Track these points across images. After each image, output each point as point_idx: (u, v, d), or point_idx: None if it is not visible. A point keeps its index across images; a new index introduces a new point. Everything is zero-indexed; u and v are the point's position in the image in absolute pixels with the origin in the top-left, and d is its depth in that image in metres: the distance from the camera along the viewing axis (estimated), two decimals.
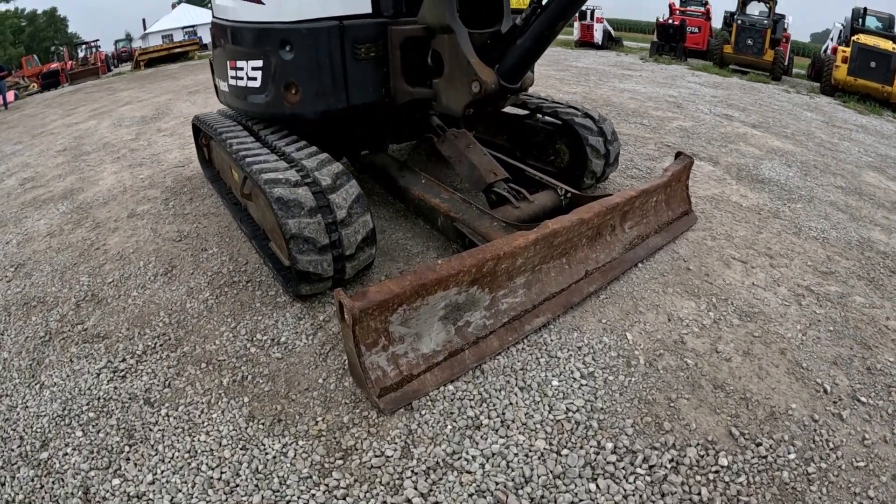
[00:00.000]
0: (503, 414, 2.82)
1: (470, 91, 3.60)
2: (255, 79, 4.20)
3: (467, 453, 2.61)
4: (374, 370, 2.84)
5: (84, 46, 25.50)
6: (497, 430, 2.73)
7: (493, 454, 2.60)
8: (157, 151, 7.69)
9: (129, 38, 31.31)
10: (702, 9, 21.21)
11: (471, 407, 2.86)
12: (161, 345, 3.47)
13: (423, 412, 2.82)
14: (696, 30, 19.92)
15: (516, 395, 2.94)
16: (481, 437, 2.70)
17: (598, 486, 2.40)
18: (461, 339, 3.15)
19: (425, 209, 4.20)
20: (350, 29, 3.85)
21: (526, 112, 5.45)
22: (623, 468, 2.48)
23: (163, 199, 5.77)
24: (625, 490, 2.38)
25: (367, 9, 3.94)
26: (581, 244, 3.78)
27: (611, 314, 3.60)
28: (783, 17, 17.92)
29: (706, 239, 4.55)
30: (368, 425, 2.77)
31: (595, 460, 2.53)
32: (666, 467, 2.46)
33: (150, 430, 2.83)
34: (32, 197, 6.45)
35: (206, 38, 28.52)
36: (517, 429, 2.74)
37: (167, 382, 3.14)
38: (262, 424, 2.82)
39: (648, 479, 2.41)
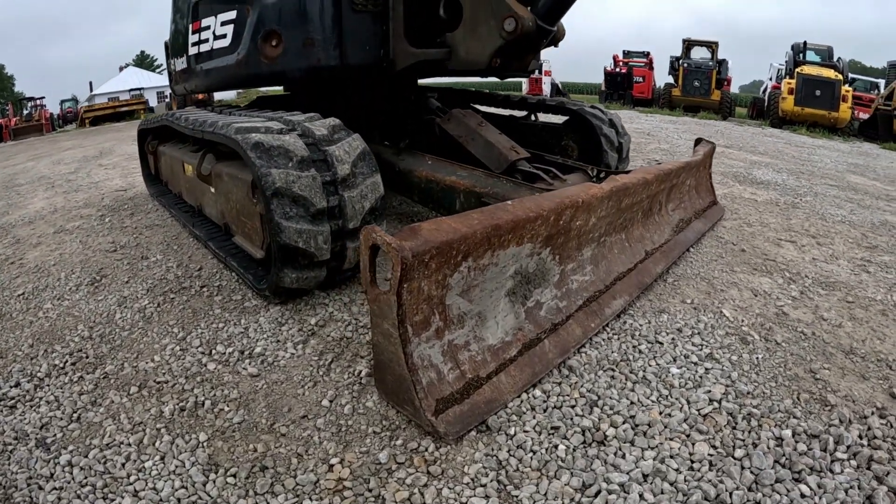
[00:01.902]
0: (632, 418, 1.63)
1: (501, 32, 2.61)
2: (224, 36, 3.10)
3: (608, 481, 1.40)
4: (426, 370, 1.57)
5: (30, 103, 22.46)
6: (633, 442, 1.55)
7: (647, 475, 1.42)
8: (97, 180, 6.14)
9: (74, 100, 27.90)
10: (644, 59, 20.38)
11: (578, 415, 1.64)
12: (73, 364, 2.07)
13: (511, 431, 1.56)
14: (641, 79, 19.00)
15: (634, 391, 1.78)
16: (616, 454, 1.50)
17: (808, 486, 1.44)
18: (534, 326, 1.95)
19: (437, 192, 3.02)
20: None
21: (524, 113, 4.55)
22: (821, 458, 1.54)
23: (98, 216, 4.29)
24: (840, 483, 1.45)
25: None
26: (637, 220, 2.77)
27: (691, 294, 2.57)
28: (725, 60, 17.27)
29: (742, 226, 3.69)
30: (425, 463, 1.47)
31: (784, 455, 1.55)
32: (863, 444, 1.62)
33: (40, 488, 1.46)
34: None
35: (153, 102, 26.39)
36: (661, 434, 1.58)
37: (75, 415, 1.76)
38: (235, 477, 1.45)
39: (854, 463, 1.54)
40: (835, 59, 14.76)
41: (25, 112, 21.54)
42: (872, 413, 1.77)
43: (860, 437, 1.64)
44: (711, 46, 17.18)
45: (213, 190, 2.97)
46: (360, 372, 1.90)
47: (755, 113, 17.53)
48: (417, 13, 2.95)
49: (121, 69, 39.01)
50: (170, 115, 3.42)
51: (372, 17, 2.95)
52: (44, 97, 22.33)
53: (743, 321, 2.33)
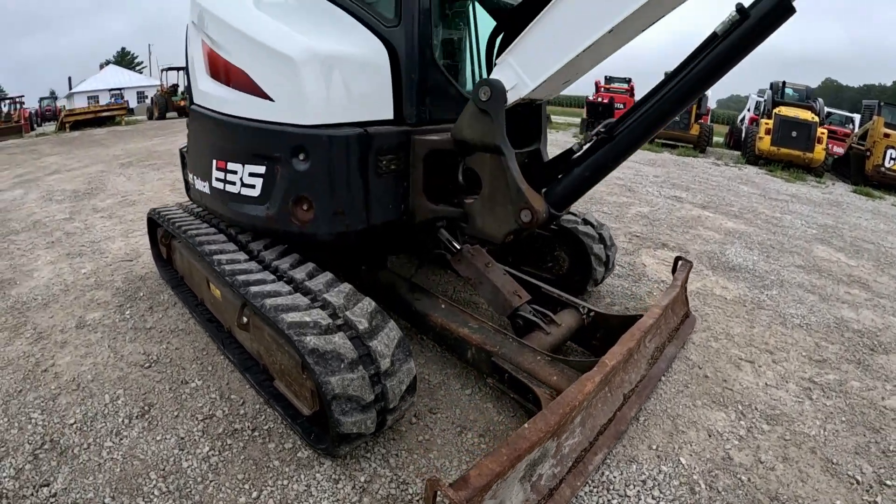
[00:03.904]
0: None
1: (517, 219, 3.14)
2: (252, 186, 3.44)
3: None
4: None
5: (8, 101, 22.24)
6: None
7: None
8: (96, 238, 6.56)
9: (53, 97, 27.69)
10: (626, 86, 21.17)
11: None
12: None
13: None
14: (622, 106, 19.62)
15: None
16: None
17: None
18: (536, 495, 2.69)
19: (451, 339, 3.65)
20: (376, 138, 3.27)
21: None
22: None
23: (116, 305, 4.73)
24: None
25: (389, 114, 3.40)
26: (618, 370, 3.51)
27: (657, 437, 3.32)
28: (704, 94, 18.01)
29: (710, 340, 4.48)
30: None
31: None
32: None
33: None
34: None
35: (133, 103, 26.36)
36: None
37: None
38: None
39: None
40: (811, 98, 16.40)
41: (3, 110, 21.42)
42: None
43: None
44: None
45: (250, 336, 3.53)
46: None
47: (732, 142, 18.97)
48: (434, 173, 3.48)
49: (101, 67, 39.10)
50: (194, 240, 3.78)
51: (394, 177, 3.45)
52: (23, 96, 22.65)
53: (694, 468, 3.06)
